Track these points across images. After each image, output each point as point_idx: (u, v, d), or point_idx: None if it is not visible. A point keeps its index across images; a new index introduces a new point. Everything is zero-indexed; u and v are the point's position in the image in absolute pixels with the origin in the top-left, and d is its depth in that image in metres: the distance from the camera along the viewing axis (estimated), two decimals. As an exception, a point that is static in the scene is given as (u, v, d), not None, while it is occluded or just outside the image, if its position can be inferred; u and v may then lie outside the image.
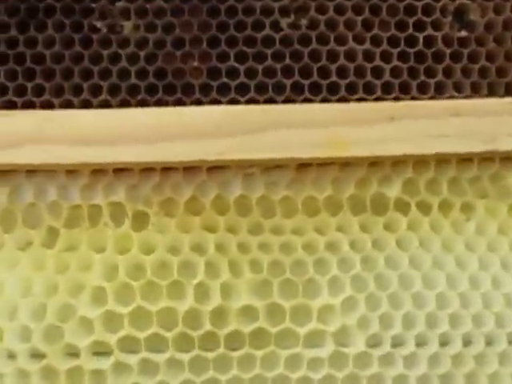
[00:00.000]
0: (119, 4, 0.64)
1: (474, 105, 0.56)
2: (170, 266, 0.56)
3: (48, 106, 0.61)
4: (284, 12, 0.65)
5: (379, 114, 0.55)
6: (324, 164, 0.57)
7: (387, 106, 0.56)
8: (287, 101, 0.64)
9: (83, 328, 0.55)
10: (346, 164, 0.57)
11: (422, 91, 0.65)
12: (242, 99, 0.64)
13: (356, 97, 0.64)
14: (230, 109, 0.55)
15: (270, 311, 0.56)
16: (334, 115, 0.55)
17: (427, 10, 0.65)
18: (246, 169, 0.57)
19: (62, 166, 0.55)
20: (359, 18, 0.65)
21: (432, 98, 0.65)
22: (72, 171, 0.56)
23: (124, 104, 0.63)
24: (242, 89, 0.64)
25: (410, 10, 0.65)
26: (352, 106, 0.56)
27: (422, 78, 0.65)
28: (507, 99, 0.58)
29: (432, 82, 0.65)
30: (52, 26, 0.63)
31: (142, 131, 0.54)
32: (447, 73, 0.65)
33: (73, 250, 0.56)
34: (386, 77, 0.65)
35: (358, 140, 0.55)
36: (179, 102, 0.64)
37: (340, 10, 0.65)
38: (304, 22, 0.65)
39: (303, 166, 0.57)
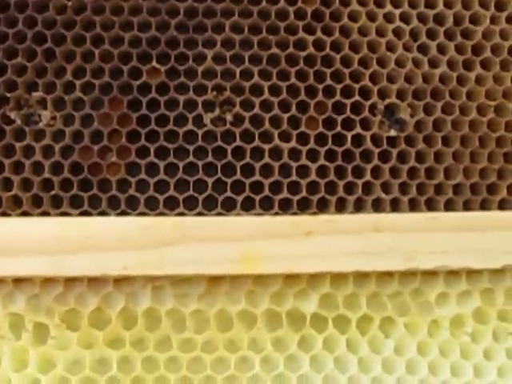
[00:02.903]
0: (36, 94, 0.58)
1: (394, 220, 0.51)
2: (69, 385, 0.50)
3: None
4: (208, 106, 0.59)
5: (295, 229, 0.50)
6: (238, 276, 0.51)
7: (304, 219, 0.50)
8: (208, 198, 0.59)
9: None
10: (260, 276, 0.51)
11: (349, 192, 0.60)
12: (161, 197, 0.58)
13: (280, 197, 0.59)
14: (138, 220, 0.49)
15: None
16: (248, 229, 0.50)
17: (356, 108, 0.60)
18: (155, 280, 0.51)
19: (-44, 277, 0.49)
20: (286, 115, 0.59)
21: (359, 199, 0.59)
22: (-31, 280, 0.50)
23: (36, 200, 0.57)
24: (162, 186, 0.59)
25: (338, 108, 0.60)
26: (267, 220, 0.50)
27: (350, 178, 0.59)
28: (429, 214, 0.53)
29: (360, 182, 0.60)
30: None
31: (43, 242, 0.48)
32: (375, 173, 0.60)
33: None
34: (312, 176, 0.59)
35: (272, 256, 0.50)
36: (94, 199, 0.58)
37: (266, 106, 0.59)
38: (229, 117, 0.59)
39: (216, 277, 0.52)
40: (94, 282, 0.51)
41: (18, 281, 0.50)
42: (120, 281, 0.51)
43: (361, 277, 0.52)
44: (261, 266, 0.49)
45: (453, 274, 0.53)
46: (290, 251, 0.50)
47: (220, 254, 0.49)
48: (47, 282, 0.51)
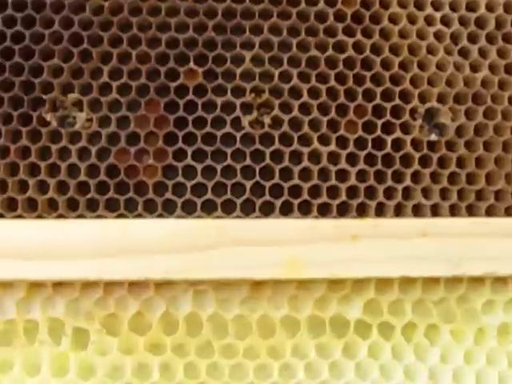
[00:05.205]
0: (72, 95, 0.58)
1: (441, 225, 0.51)
2: (110, 391, 0.50)
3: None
4: (246, 109, 0.59)
5: (341, 232, 0.50)
6: (281, 281, 0.51)
7: (349, 223, 0.50)
8: (246, 202, 0.58)
9: None
10: (304, 281, 0.51)
11: (389, 197, 0.60)
12: (199, 200, 0.58)
13: (319, 201, 0.59)
14: (180, 223, 0.49)
15: None
16: (292, 232, 0.50)
17: (396, 112, 0.60)
18: (197, 285, 0.51)
19: (-4, 280, 0.49)
20: (325, 119, 0.59)
21: (399, 204, 0.59)
22: (7, 283, 0.50)
23: (72, 203, 0.57)
24: (199, 189, 0.59)
25: (378, 111, 0.60)
26: (311, 223, 0.50)
27: (389, 182, 0.59)
28: (477, 219, 0.53)
29: (400, 187, 0.59)
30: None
31: (83, 245, 0.48)
32: (415, 178, 0.60)
33: (4, 372, 0.49)
34: (352, 181, 0.59)
35: (316, 260, 0.50)
36: (131, 202, 0.58)
37: (305, 109, 0.59)
38: (267, 119, 0.59)
39: (258, 282, 0.52)
40: (135, 286, 0.51)
41: (58, 285, 0.50)
42: (161, 285, 0.51)
43: (406, 282, 0.52)
44: (305, 270, 0.49)
45: (500, 281, 0.53)
46: (335, 255, 0.50)
47: (264, 258, 0.49)
48: (87, 286, 0.50)
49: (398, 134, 0.60)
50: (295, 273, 0.50)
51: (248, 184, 0.58)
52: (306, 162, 0.59)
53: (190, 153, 0.58)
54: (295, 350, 0.52)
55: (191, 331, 0.51)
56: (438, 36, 0.60)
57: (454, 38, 0.60)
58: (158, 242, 0.49)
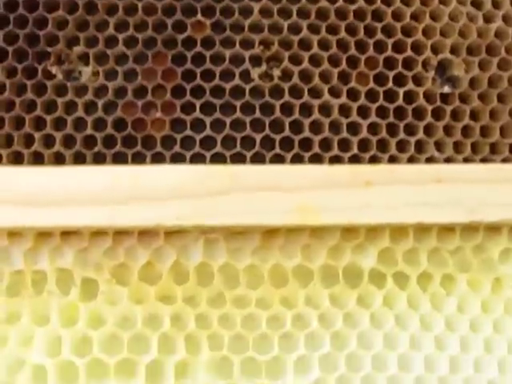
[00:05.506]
0: (77, 48, 0.58)
1: (457, 171, 0.50)
2: (121, 341, 0.49)
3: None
4: (255, 61, 0.59)
5: (354, 178, 0.49)
6: (293, 229, 0.51)
7: (363, 169, 0.50)
8: (256, 155, 0.58)
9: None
10: (317, 230, 0.51)
11: (402, 149, 0.59)
12: (208, 153, 0.58)
13: (331, 154, 0.58)
14: (191, 169, 0.49)
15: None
16: (305, 178, 0.49)
17: (408, 64, 0.59)
18: (208, 233, 0.50)
19: (4, 228, 0.48)
20: (336, 70, 0.59)
21: (412, 157, 0.59)
22: (15, 233, 0.49)
23: (79, 157, 0.57)
24: (208, 142, 0.58)
25: (390, 63, 0.59)
26: (325, 169, 0.50)
27: (402, 135, 0.59)
28: (492, 165, 0.52)
29: (412, 140, 0.59)
30: (2, 70, 0.57)
31: (94, 192, 0.48)
32: (428, 130, 0.59)
33: (12, 323, 0.49)
34: (364, 133, 0.59)
35: (330, 206, 0.49)
36: (138, 156, 0.57)
37: (315, 61, 0.59)
38: (277, 72, 0.59)
39: (271, 231, 0.51)
40: (145, 235, 0.50)
41: (66, 234, 0.50)
42: (171, 234, 0.50)
43: (421, 231, 0.51)
44: (318, 216, 0.49)
45: (517, 230, 0.52)
46: (349, 201, 0.49)
47: (276, 204, 0.49)
48: (96, 235, 0.50)
49: (410, 86, 0.59)
50: (308, 219, 0.49)
51: (258, 137, 0.58)
52: (316, 115, 0.59)
53: (198, 106, 0.58)
54: (308, 299, 0.52)
55: (202, 281, 0.51)
56: (450, -14, 0.60)
57: (467, -12, 0.60)
58: (170, 188, 0.49)
